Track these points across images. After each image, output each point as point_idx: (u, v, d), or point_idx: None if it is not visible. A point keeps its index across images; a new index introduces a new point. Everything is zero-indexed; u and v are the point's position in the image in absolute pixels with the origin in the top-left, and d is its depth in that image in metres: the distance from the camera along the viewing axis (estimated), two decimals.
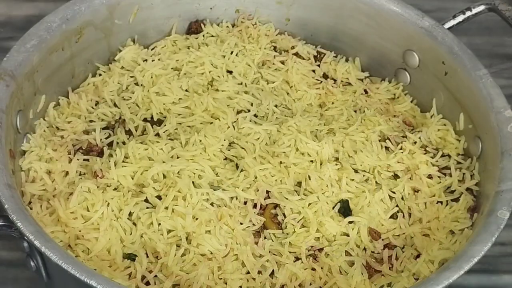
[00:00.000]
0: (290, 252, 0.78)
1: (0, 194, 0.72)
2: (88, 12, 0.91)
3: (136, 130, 0.88)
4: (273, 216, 0.80)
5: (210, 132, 0.85)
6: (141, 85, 0.92)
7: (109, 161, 0.82)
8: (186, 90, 0.92)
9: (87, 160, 0.84)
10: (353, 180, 0.83)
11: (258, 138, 0.86)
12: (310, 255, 0.78)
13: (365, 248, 0.79)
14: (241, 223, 0.79)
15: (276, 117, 0.90)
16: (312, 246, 0.78)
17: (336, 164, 0.84)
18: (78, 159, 0.83)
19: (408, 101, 0.95)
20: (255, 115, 0.90)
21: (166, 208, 0.78)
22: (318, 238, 0.79)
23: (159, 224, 0.77)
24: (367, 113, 0.92)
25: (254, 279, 0.76)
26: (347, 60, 1.00)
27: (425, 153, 0.87)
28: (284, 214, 0.80)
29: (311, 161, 0.85)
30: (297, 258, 0.78)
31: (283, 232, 0.79)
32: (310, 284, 0.76)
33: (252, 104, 0.91)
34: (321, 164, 0.84)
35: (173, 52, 0.96)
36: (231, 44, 0.97)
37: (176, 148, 0.84)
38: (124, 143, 0.86)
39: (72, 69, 0.92)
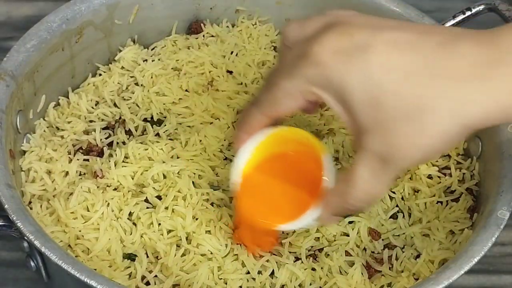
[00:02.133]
0: (290, 252, 0.78)
1: (0, 194, 0.72)
2: (88, 12, 0.91)
3: (136, 130, 0.88)
4: None
5: (210, 132, 0.85)
6: (141, 85, 0.92)
7: (109, 161, 0.82)
8: (186, 90, 0.92)
9: (87, 160, 0.84)
10: None
11: None
12: (310, 255, 0.78)
13: (365, 248, 0.79)
14: None
15: None
16: (312, 246, 0.78)
17: (336, 164, 0.84)
18: (78, 159, 0.83)
19: None
20: None
21: (166, 208, 0.78)
22: (318, 238, 0.79)
23: (159, 224, 0.78)
24: None
25: (254, 279, 0.76)
26: None
27: None
28: None
29: None
30: (297, 258, 0.78)
31: (283, 232, 0.79)
32: (310, 284, 0.76)
33: None
34: None
35: (173, 52, 0.96)
36: (231, 44, 0.97)
37: (176, 148, 0.84)
38: (124, 143, 0.86)
39: (72, 69, 0.92)
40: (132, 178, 0.82)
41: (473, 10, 0.92)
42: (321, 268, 0.77)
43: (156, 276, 0.75)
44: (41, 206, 0.79)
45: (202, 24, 1.00)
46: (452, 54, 0.57)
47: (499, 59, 0.55)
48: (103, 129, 0.88)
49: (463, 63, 0.56)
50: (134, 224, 0.79)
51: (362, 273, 0.77)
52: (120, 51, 0.96)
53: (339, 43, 0.59)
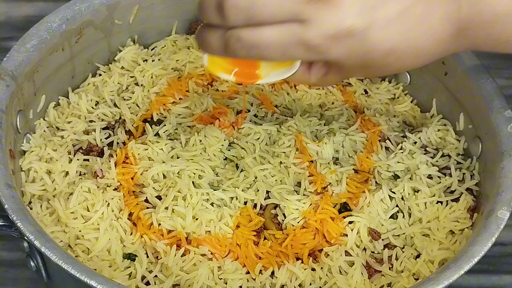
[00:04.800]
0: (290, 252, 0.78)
1: (0, 194, 0.72)
2: (88, 12, 0.91)
3: (136, 130, 0.88)
4: (273, 216, 0.80)
5: (210, 132, 0.85)
6: (141, 85, 0.92)
7: (109, 161, 0.82)
8: (186, 91, 0.92)
9: (87, 160, 0.84)
10: (353, 180, 0.83)
11: (258, 138, 0.86)
12: (310, 255, 0.78)
13: (365, 248, 0.79)
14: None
15: (276, 117, 0.90)
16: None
17: (336, 164, 0.84)
18: (78, 159, 0.83)
19: (408, 101, 0.95)
20: (255, 115, 0.90)
21: (166, 208, 0.78)
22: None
23: (159, 224, 0.78)
24: (367, 113, 0.92)
25: (254, 279, 0.76)
26: None
27: (425, 153, 0.87)
28: (284, 215, 0.80)
29: (311, 161, 0.85)
30: (297, 258, 0.78)
31: (283, 233, 0.79)
32: (310, 284, 0.76)
33: (252, 104, 0.91)
34: (321, 164, 0.84)
35: (173, 52, 0.96)
36: None
37: (176, 148, 0.84)
38: (124, 143, 0.86)
39: (72, 69, 0.92)
40: (132, 178, 0.82)
41: None
42: (321, 268, 0.77)
43: (156, 276, 0.75)
44: (41, 206, 0.79)
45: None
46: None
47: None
48: (103, 129, 0.88)
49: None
50: (134, 224, 0.79)
51: (362, 273, 0.77)
52: (120, 51, 0.96)
53: (333, 27, 0.64)
